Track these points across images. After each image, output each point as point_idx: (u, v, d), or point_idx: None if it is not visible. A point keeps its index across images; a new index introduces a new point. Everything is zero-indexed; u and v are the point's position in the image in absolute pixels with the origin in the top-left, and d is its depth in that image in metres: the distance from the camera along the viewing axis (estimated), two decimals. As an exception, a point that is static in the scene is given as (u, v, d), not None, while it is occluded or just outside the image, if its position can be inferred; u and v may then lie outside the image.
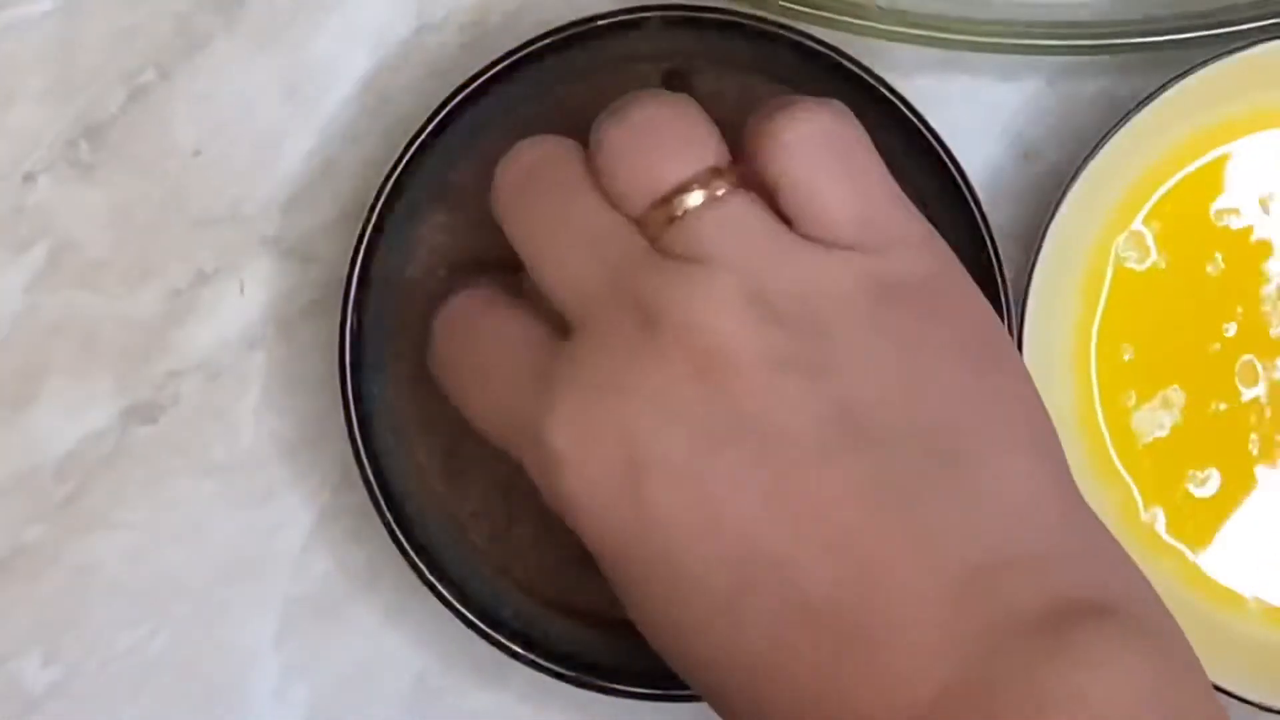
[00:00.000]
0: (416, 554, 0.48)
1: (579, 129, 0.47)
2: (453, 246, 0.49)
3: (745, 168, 0.41)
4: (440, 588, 0.48)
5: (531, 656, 0.48)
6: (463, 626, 0.48)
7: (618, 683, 0.48)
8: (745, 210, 0.40)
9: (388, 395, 0.48)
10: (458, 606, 0.48)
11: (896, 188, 0.41)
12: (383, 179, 0.48)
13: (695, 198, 0.40)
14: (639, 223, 0.41)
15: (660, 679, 0.47)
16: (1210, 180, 0.50)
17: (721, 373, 0.38)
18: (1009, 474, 0.39)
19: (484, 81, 0.47)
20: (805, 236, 0.40)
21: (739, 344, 0.39)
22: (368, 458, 0.48)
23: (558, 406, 0.39)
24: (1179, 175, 0.50)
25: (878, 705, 0.37)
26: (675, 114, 0.41)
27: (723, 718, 0.41)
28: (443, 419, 0.48)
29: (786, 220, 0.41)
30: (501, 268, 0.46)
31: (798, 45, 0.47)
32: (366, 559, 0.51)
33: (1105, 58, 0.51)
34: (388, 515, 0.48)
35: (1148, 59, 0.50)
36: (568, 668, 0.48)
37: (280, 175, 0.51)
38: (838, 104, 0.41)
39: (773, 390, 0.38)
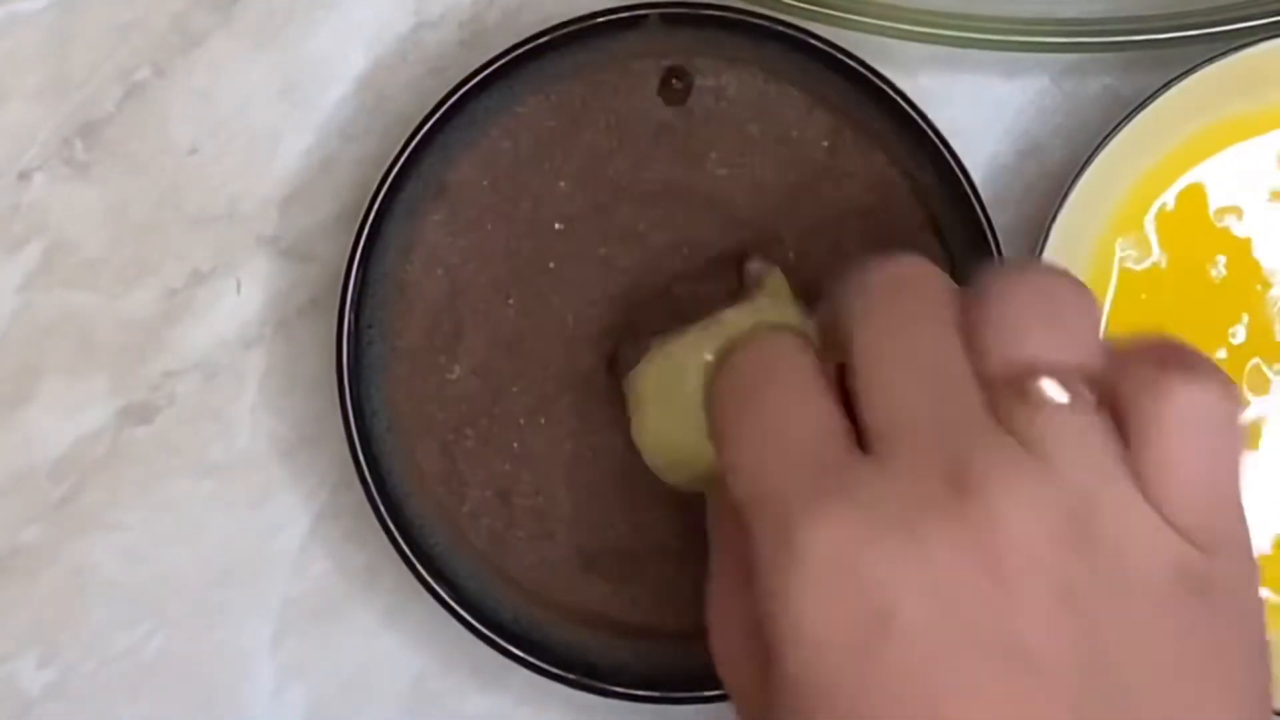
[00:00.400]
0: (415, 555, 0.48)
1: (579, 126, 0.48)
2: (451, 246, 0.49)
3: (1105, 383, 0.38)
4: (439, 589, 0.48)
5: (531, 659, 0.48)
6: (461, 628, 0.48)
7: (618, 685, 0.48)
8: (1101, 435, 0.37)
9: (385, 395, 0.48)
10: (456, 608, 0.48)
11: (1240, 488, 0.38)
12: (381, 177, 0.47)
13: (1057, 393, 0.37)
14: (987, 385, 0.37)
15: (660, 682, 0.48)
16: (1215, 180, 0.50)
17: (1009, 578, 0.36)
18: None
19: (483, 79, 0.47)
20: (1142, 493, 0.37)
21: (1039, 559, 0.36)
22: (366, 459, 0.48)
23: (829, 514, 0.36)
24: (1183, 174, 0.50)
25: None
26: (1079, 299, 0.38)
27: None
28: (441, 419, 0.49)
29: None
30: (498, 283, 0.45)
31: (799, 42, 0.47)
32: (365, 560, 0.51)
33: (1110, 55, 0.50)
34: (386, 517, 0.48)
35: (1152, 57, 0.50)
36: (567, 670, 0.48)
37: (277, 174, 0.51)
38: (1226, 378, 0.38)
39: (1049, 622, 0.36)
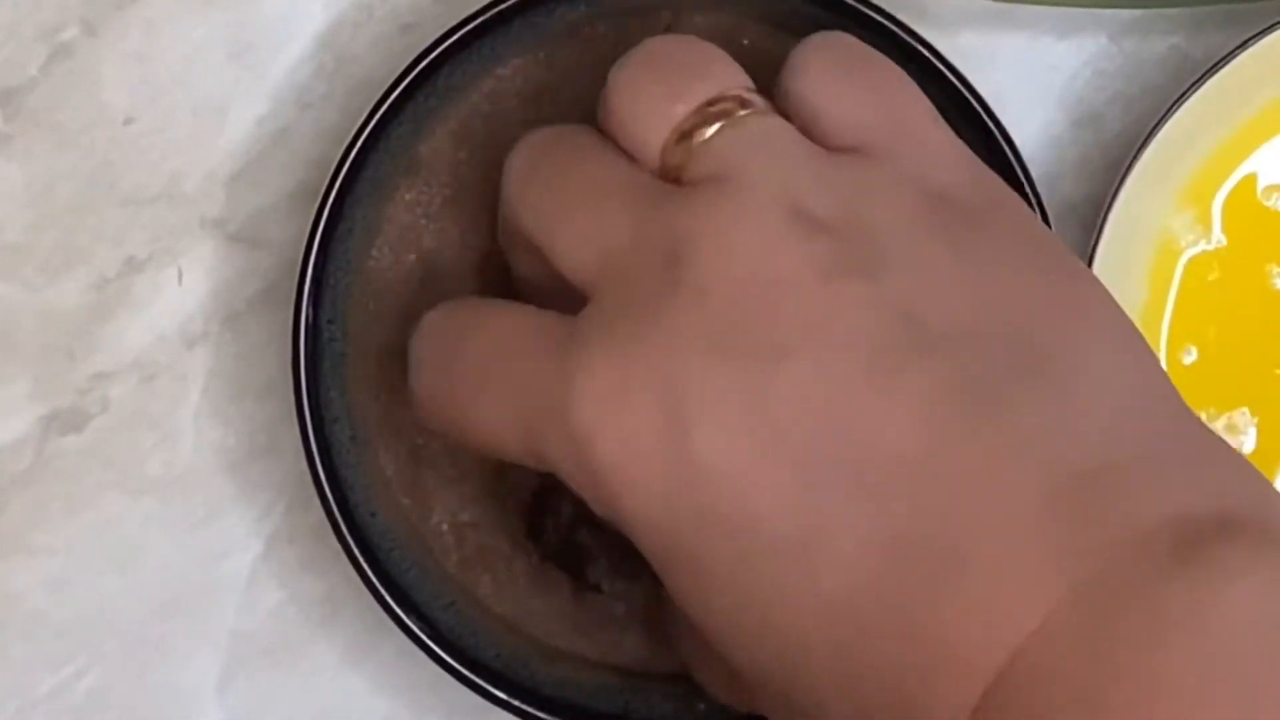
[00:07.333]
0: (381, 583, 0.47)
1: (571, 92, 0.48)
2: (424, 228, 0.48)
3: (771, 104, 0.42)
4: (409, 622, 0.47)
5: (515, 702, 0.47)
6: (435, 667, 0.47)
7: (613, 731, 0.48)
8: (770, 124, 0.40)
9: (348, 400, 0.47)
10: (429, 644, 0.47)
11: (929, 105, 0.42)
12: (343, 151, 0.47)
13: (714, 126, 0.40)
14: (661, 171, 0.40)
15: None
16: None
17: (766, 291, 0.38)
18: (1107, 371, 0.38)
19: (460, 38, 0.47)
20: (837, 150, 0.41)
21: (782, 257, 0.38)
22: (325, 473, 0.47)
23: (579, 374, 0.39)
24: (1261, 147, 0.49)
25: (979, 638, 0.36)
26: (682, 45, 0.42)
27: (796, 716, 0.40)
28: (410, 425, 0.48)
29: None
30: (481, 271, 0.46)
31: (824, -3, 0.47)
32: (324, 590, 0.50)
33: (1176, 11, 0.50)
34: (348, 539, 0.47)
35: (1225, 13, 0.50)
36: (555, 714, 0.47)
37: (225, 147, 0.50)
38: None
39: (826, 300, 0.38)
